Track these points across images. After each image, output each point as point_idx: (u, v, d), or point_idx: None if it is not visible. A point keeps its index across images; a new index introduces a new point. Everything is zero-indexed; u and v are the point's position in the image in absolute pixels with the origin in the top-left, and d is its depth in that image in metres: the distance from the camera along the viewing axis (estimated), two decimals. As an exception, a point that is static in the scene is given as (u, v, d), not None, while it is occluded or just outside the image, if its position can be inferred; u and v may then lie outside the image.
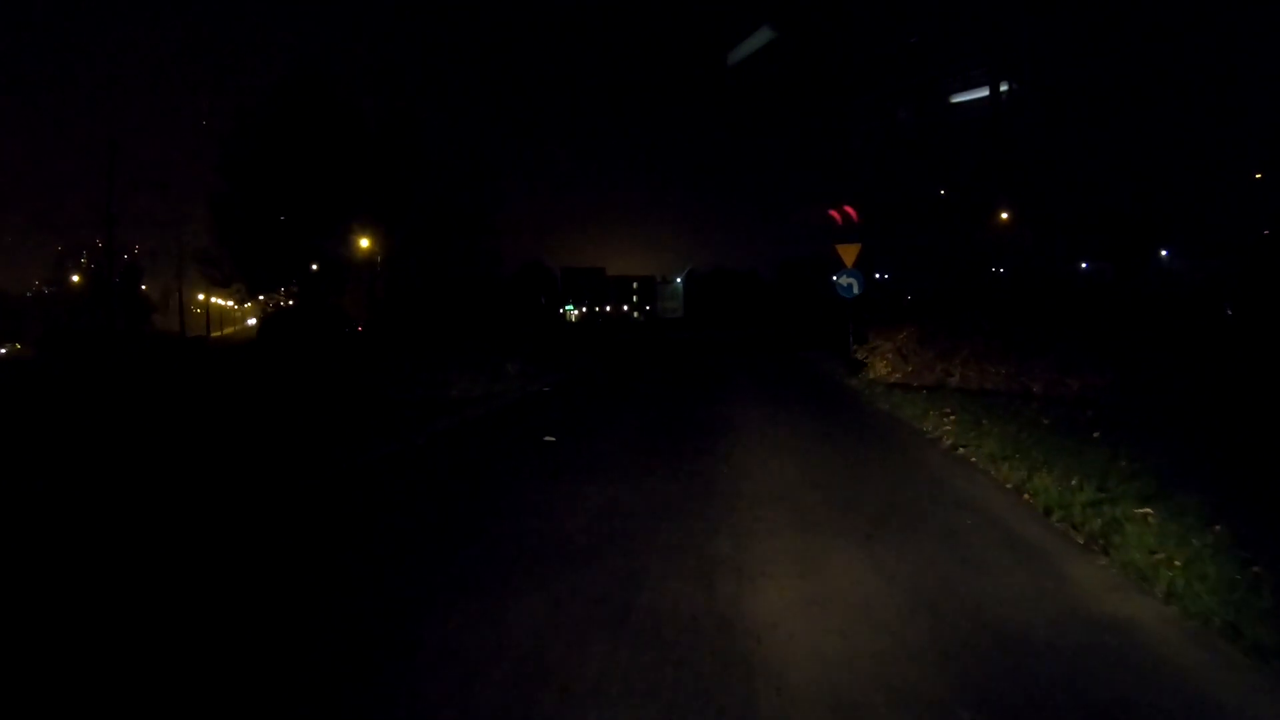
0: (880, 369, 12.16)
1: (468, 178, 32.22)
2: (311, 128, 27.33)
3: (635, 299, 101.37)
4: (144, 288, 75.09)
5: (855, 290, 16.73)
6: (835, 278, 16.85)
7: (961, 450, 7.15)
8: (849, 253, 16.91)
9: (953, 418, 8.50)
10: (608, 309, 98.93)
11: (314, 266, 28.78)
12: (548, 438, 8.14)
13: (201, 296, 72.56)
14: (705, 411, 9.83)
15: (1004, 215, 56.79)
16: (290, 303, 34.57)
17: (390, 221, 30.36)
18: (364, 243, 29.10)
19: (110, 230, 28.57)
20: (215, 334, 71.43)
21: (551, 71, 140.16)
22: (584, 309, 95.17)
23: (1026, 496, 5.61)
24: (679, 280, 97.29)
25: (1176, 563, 3.83)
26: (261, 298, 35.58)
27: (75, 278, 79.96)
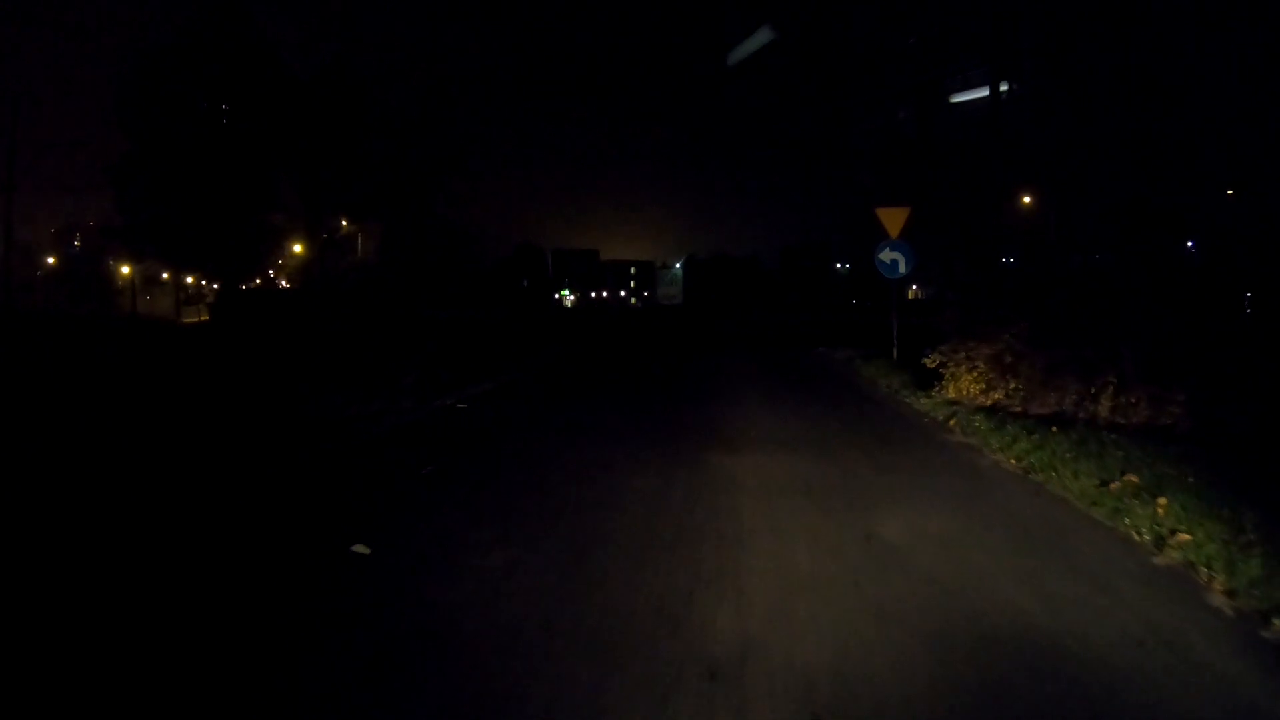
0: (966, 385, 7.91)
1: (419, 132, 27.51)
2: (226, 73, 22.66)
3: (633, 284, 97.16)
4: (126, 270, 70.27)
5: (902, 268, 12.51)
6: (876, 252, 12.60)
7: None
8: (893, 219, 12.64)
9: (1177, 509, 4.34)
10: (604, 294, 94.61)
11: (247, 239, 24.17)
12: (358, 548, 3.94)
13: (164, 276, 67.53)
14: (697, 470, 5.60)
15: (1026, 199, 52.64)
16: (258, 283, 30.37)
17: (325, 186, 25.76)
18: (294, 210, 24.74)
19: (9, 196, 24.17)
20: (191, 319, 66.70)
21: (552, 52, 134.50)
22: (578, 294, 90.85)
23: None
24: (678, 266, 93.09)
25: None
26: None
27: (50, 260, 75.86)
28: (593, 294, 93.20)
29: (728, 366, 13.53)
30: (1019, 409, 7.61)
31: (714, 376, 12.09)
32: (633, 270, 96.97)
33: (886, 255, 12.47)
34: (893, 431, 6.97)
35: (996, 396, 7.61)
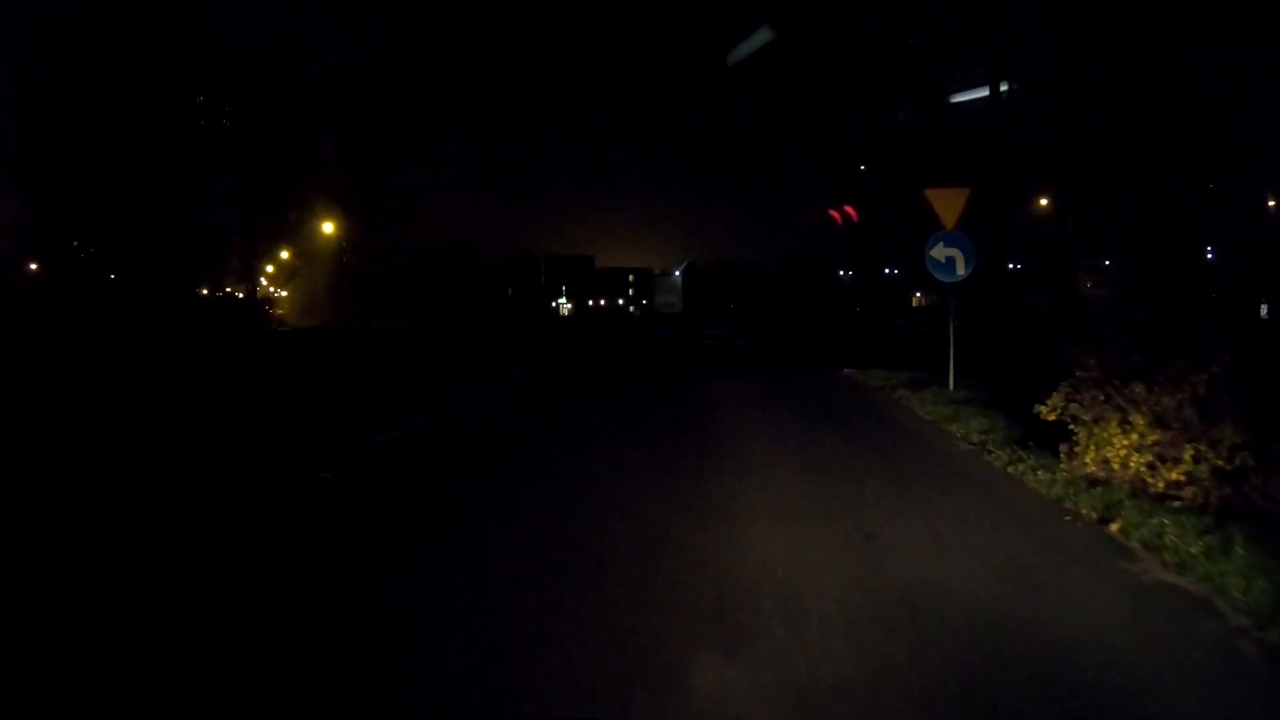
0: (1119, 452, 4.85)
1: (366, 120, 24.67)
2: (147, 54, 19.78)
3: (631, 292, 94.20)
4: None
5: (960, 269, 9.52)
6: (927, 249, 9.61)
7: None
8: (949, 204, 9.67)
9: None
10: (601, 303, 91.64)
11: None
12: None
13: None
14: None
15: (1043, 201, 49.83)
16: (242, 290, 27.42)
17: (263, 178, 22.89)
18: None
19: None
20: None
21: (549, 55, 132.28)
22: (574, 303, 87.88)
23: None
24: (677, 274, 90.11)
25: None
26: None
27: (33, 265, 73.40)
28: (589, 303, 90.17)
29: (734, 402, 10.20)
30: (1200, 496, 4.59)
31: (716, 419, 8.96)
32: (631, 278, 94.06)
33: (940, 252, 9.44)
34: (1023, 559, 3.90)
35: (1173, 476, 4.59)
